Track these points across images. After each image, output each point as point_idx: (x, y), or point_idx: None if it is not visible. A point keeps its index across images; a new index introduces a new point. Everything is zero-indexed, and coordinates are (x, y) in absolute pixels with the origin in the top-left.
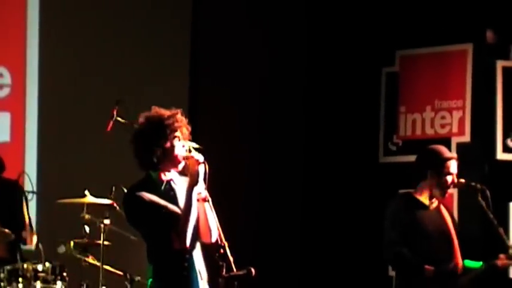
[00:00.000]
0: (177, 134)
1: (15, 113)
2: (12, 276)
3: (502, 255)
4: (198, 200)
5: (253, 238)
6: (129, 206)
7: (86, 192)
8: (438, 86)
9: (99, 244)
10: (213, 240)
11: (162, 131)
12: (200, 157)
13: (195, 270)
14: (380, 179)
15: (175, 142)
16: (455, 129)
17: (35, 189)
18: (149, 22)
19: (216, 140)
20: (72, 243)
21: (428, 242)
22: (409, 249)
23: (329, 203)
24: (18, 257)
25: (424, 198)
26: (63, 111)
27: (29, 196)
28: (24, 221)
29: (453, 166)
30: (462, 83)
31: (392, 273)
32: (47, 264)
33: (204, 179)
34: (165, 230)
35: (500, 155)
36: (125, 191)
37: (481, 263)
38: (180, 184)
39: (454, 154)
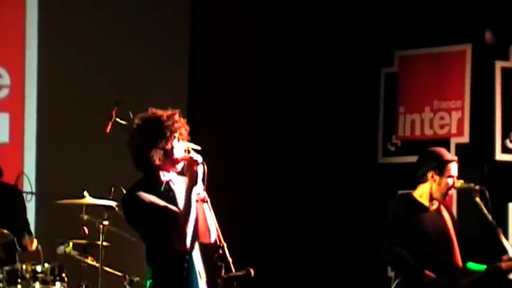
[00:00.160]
0: (177, 134)
1: (14, 114)
2: (11, 277)
3: (505, 257)
4: (197, 201)
5: (251, 239)
6: (129, 206)
7: (85, 193)
8: (437, 86)
9: (98, 245)
10: (212, 240)
11: (162, 132)
12: (199, 158)
13: (195, 270)
14: (379, 179)
15: (175, 143)
16: (454, 130)
17: (33, 190)
18: (148, 23)
19: (214, 141)
20: (71, 244)
21: (428, 243)
22: (409, 250)
23: (328, 204)
24: (17, 258)
25: (424, 200)
26: (62, 112)
27: (28, 197)
28: (24, 226)
29: (454, 168)
30: (461, 84)
31: (391, 273)
32: (46, 265)
33: (203, 180)
34: (164, 230)
35: (499, 156)
36: (124, 191)
37: (484, 266)
38: (178, 185)
39: (454, 157)
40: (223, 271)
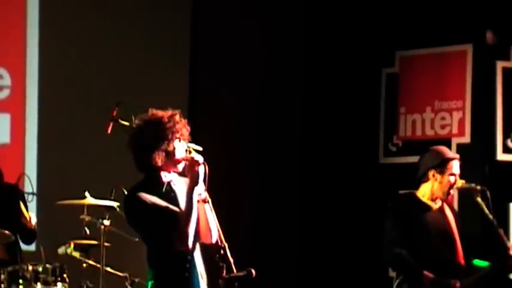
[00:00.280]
0: (178, 135)
1: (15, 115)
2: (13, 278)
3: None
4: (198, 201)
5: (252, 239)
6: (130, 207)
7: (86, 193)
8: (438, 86)
9: (100, 245)
10: (214, 241)
11: (163, 134)
12: (200, 158)
13: (196, 271)
14: (380, 179)
15: (176, 144)
16: (455, 130)
17: (35, 191)
18: (149, 22)
19: (215, 141)
20: (72, 244)
21: (431, 242)
22: (411, 250)
23: (328, 204)
24: (18, 259)
25: (426, 199)
26: (63, 112)
27: (29, 197)
28: (22, 220)
29: (455, 166)
30: (462, 84)
31: (392, 274)
32: (47, 265)
33: (204, 180)
34: (166, 231)
35: (500, 156)
36: (125, 192)
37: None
38: (180, 185)
39: (456, 155)
40: (224, 271)
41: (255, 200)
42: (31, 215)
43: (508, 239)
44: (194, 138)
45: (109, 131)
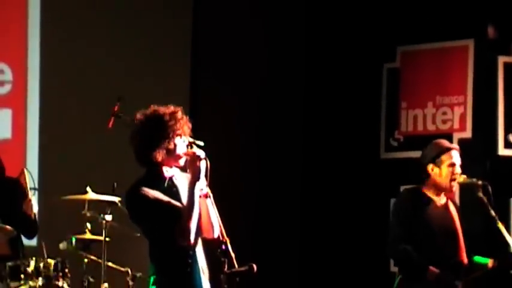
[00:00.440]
0: (179, 132)
1: (16, 110)
2: (14, 273)
3: None
4: (199, 196)
5: (254, 234)
6: (132, 202)
7: (88, 188)
8: (439, 81)
9: (101, 240)
10: (215, 236)
11: (165, 132)
12: (201, 153)
13: (198, 266)
14: (381, 175)
15: (177, 140)
16: (456, 125)
17: (36, 186)
18: (151, 19)
19: (217, 137)
20: (74, 239)
21: (434, 238)
22: (414, 245)
23: (330, 199)
24: (20, 254)
25: (431, 194)
26: (65, 107)
27: (31, 193)
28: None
29: (455, 156)
30: (463, 79)
31: (394, 269)
32: (49, 260)
33: (206, 175)
34: (168, 226)
35: (502, 151)
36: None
37: (491, 259)
38: (181, 180)
39: (452, 145)
40: (226, 267)
41: (256, 195)
42: (34, 203)
43: (510, 234)
44: (195, 135)
45: (110, 126)
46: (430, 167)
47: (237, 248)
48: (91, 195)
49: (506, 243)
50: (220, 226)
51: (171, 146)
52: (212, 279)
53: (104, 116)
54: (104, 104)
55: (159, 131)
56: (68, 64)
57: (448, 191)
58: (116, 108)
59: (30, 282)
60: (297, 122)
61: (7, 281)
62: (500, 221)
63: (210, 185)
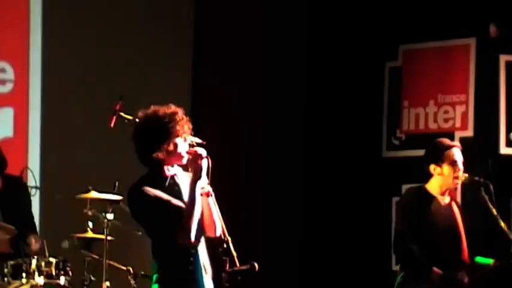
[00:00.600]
0: (179, 133)
1: (18, 108)
2: (16, 271)
3: None
4: (201, 195)
5: (256, 233)
6: (134, 201)
7: (90, 187)
8: (441, 80)
9: (103, 239)
10: (218, 234)
11: (164, 133)
12: (203, 152)
13: (200, 265)
14: (383, 173)
15: (178, 140)
16: (458, 124)
17: (38, 185)
18: (153, 17)
19: (218, 135)
20: (75, 238)
21: (437, 237)
22: (418, 244)
23: (332, 198)
24: (21, 252)
25: (435, 192)
26: (66, 106)
27: (32, 192)
28: (29, 220)
29: (456, 154)
30: (465, 78)
31: (395, 267)
32: (51, 259)
33: (207, 174)
34: (170, 225)
35: (504, 150)
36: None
37: (492, 259)
38: (183, 179)
39: (456, 143)
40: (227, 265)
41: (258, 194)
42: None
43: (511, 232)
44: (197, 134)
45: (112, 125)
46: (432, 166)
47: (238, 246)
48: (93, 193)
49: (508, 242)
50: (221, 225)
51: (171, 148)
52: (214, 278)
53: (106, 114)
54: (106, 103)
55: (158, 133)
56: (69, 62)
57: (451, 189)
58: (118, 106)
59: (32, 281)
60: (299, 120)
61: (8, 279)
62: (502, 220)
63: (212, 183)
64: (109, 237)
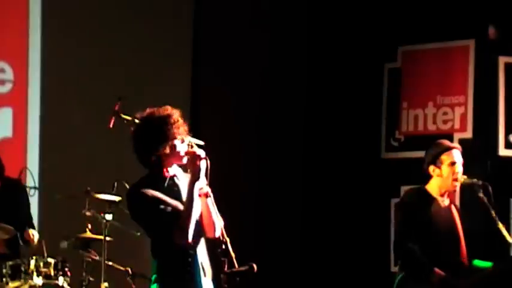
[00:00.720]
0: (176, 135)
1: (17, 109)
2: (14, 272)
3: None
4: (199, 196)
5: (254, 233)
6: (133, 202)
7: (88, 187)
8: (440, 81)
9: (101, 240)
10: (217, 235)
11: (160, 136)
12: (202, 152)
13: (199, 266)
14: (382, 174)
15: (176, 142)
16: (457, 125)
17: (36, 185)
18: (152, 17)
19: (217, 136)
20: (74, 238)
21: (436, 238)
22: (418, 244)
23: (330, 199)
24: (20, 253)
25: (435, 194)
26: (65, 106)
27: (31, 192)
28: (27, 220)
29: (455, 155)
30: (464, 79)
31: (394, 269)
32: (49, 259)
33: (206, 175)
34: (168, 226)
35: (502, 151)
36: (127, 186)
37: (490, 263)
38: (183, 180)
39: (455, 144)
40: (226, 266)
41: (256, 195)
42: (36, 235)
43: (510, 235)
44: (197, 134)
45: (111, 126)
46: (431, 168)
47: (237, 247)
48: (91, 194)
49: (507, 244)
50: (220, 225)
51: (167, 150)
52: (213, 279)
53: (105, 114)
54: (105, 103)
55: (155, 136)
56: (68, 63)
57: (451, 191)
58: (117, 107)
59: (30, 281)
60: (299, 121)
61: (7, 280)
62: (501, 222)
63: (211, 184)
64: (108, 238)
